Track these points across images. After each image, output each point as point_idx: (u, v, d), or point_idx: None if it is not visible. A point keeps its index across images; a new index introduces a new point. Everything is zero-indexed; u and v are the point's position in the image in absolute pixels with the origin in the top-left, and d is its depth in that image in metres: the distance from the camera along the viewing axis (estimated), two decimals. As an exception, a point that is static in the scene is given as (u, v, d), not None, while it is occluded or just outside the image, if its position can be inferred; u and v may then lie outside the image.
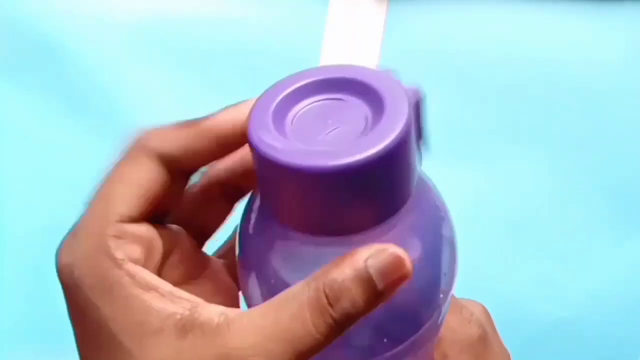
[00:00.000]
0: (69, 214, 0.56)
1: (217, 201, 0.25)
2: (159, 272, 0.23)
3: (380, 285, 0.20)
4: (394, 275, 0.20)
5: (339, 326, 0.20)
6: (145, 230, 0.23)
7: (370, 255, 0.20)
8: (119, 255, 0.21)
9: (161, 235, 0.24)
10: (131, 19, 0.53)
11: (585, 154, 0.53)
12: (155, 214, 0.23)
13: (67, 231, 0.24)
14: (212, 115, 0.24)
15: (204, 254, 0.26)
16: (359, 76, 0.23)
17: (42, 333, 0.52)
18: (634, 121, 0.54)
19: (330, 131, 0.21)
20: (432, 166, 0.51)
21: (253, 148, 0.20)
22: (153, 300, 0.21)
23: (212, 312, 0.21)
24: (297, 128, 0.21)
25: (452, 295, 0.28)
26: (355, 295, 0.20)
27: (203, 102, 0.55)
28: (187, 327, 0.20)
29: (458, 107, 0.53)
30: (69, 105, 0.53)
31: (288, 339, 0.20)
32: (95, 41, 0.53)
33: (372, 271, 0.20)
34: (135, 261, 0.22)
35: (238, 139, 0.23)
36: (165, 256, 0.24)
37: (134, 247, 0.22)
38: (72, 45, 0.53)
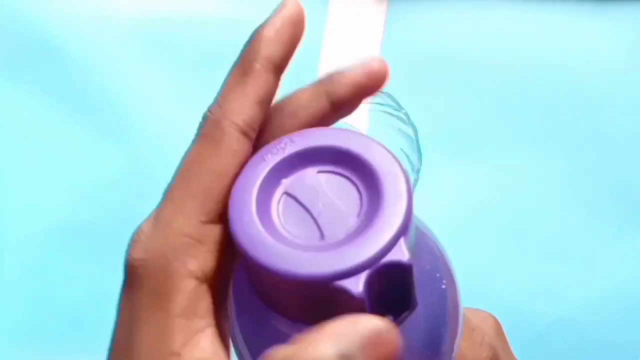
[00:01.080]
0: (69, 215, 0.56)
1: None
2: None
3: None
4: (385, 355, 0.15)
5: None
6: (217, 229, 0.20)
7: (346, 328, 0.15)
8: (190, 266, 0.19)
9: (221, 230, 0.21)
10: (131, 19, 0.54)
11: (586, 154, 0.53)
12: None
13: (144, 219, 0.21)
14: (253, 47, 0.22)
15: None
16: (352, 147, 0.19)
17: (42, 333, 0.52)
18: (634, 121, 0.54)
19: (319, 214, 0.19)
20: (432, 166, 0.51)
21: (234, 237, 0.18)
22: (180, 331, 0.18)
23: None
24: (284, 212, 0.19)
25: (466, 316, 0.28)
26: None
27: (203, 102, 0.55)
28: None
29: (458, 107, 0.53)
30: (69, 105, 0.53)
31: None
32: (95, 41, 0.53)
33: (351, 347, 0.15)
34: (207, 274, 0.19)
35: (288, 57, 0.21)
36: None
37: (210, 256, 0.19)
38: (72, 45, 0.53)
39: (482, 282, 0.52)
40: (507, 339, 0.33)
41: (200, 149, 0.20)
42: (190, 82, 0.53)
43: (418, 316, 0.21)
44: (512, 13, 0.54)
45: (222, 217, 0.19)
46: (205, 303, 0.19)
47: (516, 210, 0.53)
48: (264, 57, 0.22)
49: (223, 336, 0.20)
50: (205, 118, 0.21)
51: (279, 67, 0.22)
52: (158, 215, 0.20)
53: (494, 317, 0.33)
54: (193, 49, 0.53)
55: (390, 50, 0.53)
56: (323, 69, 0.53)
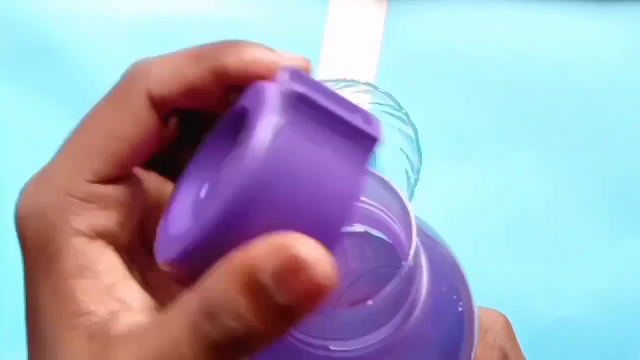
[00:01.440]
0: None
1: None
2: (140, 238, 0.20)
3: (279, 296, 0.15)
4: (302, 284, 0.14)
5: (225, 352, 0.15)
6: (119, 190, 0.19)
7: (263, 251, 0.15)
8: (76, 224, 0.18)
9: (147, 193, 0.20)
10: (131, 19, 0.53)
11: (585, 154, 0.53)
12: (143, 164, 0.20)
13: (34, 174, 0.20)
14: (213, 46, 0.20)
15: None
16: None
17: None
18: (634, 121, 0.54)
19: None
20: (432, 166, 0.51)
21: None
22: (82, 291, 0.18)
23: (123, 323, 0.18)
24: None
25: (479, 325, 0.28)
26: (241, 309, 0.15)
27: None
28: (97, 331, 0.17)
29: (458, 107, 0.53)
30: (69, 105, 0.53)
31: (164, 356, 0.16)
32: (95, 41, 0.53)
33: (263, 275, 0.15)
34: (101, 233, 0.19)
35: (236, 82, 0.19)
36: (149, 217, 0.20)
37: (98, 213, 0.18)
38: (72, 45, 0.53)
39: (482, 282, 0.52)
40: (517, 338, 0.33)
41: (104, 106, 0.20)
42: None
43: (434, 337, 0.22)
44: (512, 13, 0.54)
45: (119, 178, 0.19)
46: (106, 259, 0.18)
47: (516, 210, 0.53)
48: (218, 59, 0.20)
49: (149, 287, 0.19)
50: (125, 73, 0.20)
51: (225, 76, 0.20)
52: (45, 171, 0.19)
53: (504, 317, 0.33)
54: (193, 49, 0.53)
55: (390, 50, 0.53)
56: (323, 69, 0.53)
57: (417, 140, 0.45)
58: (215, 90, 0.19)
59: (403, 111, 0.46)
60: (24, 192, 0.20)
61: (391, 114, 0.46)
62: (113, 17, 0.53)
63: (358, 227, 0.24)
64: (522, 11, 0.54)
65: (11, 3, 0.53)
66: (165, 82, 0.19)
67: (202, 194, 0.18)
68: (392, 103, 0.46)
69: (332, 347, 0.21)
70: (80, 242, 0.18)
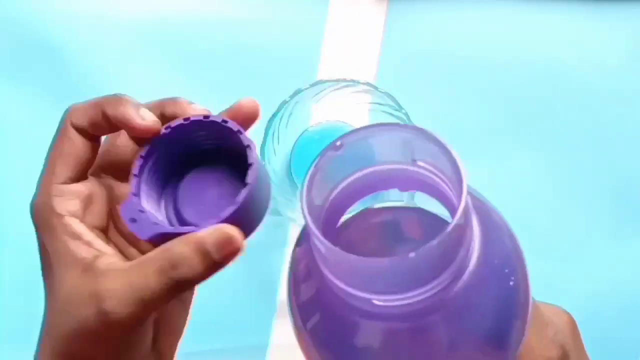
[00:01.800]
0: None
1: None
2: (107, 214, 0.32)
3: (216, 254, 0.27)
4: (227, 250, 0.27)
5: (178, 286, 0.27)
6: (84, 187, 0.31)
7: (212, 232, 0.27)
8: (58, 209, 0.30)
9: (104, 186, 0.32)
10: (131, 19, 0.54)
11: (585, 154, 0.53)
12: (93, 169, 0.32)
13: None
14: (118, 101, 0.31)
15: None
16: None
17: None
18: (634, 121, 0.54)
19: None
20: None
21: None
22: (74, 246, 0.29)
23: (108, 259, 0.29)
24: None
25: (539, 308, 0.29)
26: (191, 262, 0.27)
27: (203, 101, 0.55)
28: (86, 268, 0.29)
29: (458, 106, 0.53)
30: (69, 105, 0.53)
31: (136, 289, 0.27)
32: (95, 41, 0.53)
33: (209, 245, 0.27)
34: (74, 212, 0.30)
35: (115, 124, 0.30)
36: (113, 200, 0.32)
37: (72, 201, 0.30)
38: (72, 45, 0.53)
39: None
40: (582, 338, 0.33)
41: (57, 138, 0.32)
42: (190, 81, 0.53)
43: (482, 308, 0.23)
44: (511, 13, 0.54)
45: (76, 179, 0.31)
46: (81, 227, 0.30)
47: (516, 210, 0.53)
48: (104, 108, 0.31)
49: (114, 246, 0.31)
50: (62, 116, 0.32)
51: (109, 118, 0.30)
52: (39, 182, 0.31)
53: (568, 315, 0.33)
54: (193, 49, 0.53)
55: (390, 50, 0.53)
56: (323, 69, 0.53)
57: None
58: (107, 125, 0.31)
59: (403, 111, 0.45)
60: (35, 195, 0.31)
61: (391, 114, 0.46)
62: (113, 17, 0.53)
63: (411, 200, 0.27)
64: (522, 11, 0.54)
65: (11, 3, 0.53)
66: (79, 118, 0.31)
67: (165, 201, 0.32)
68: (392, 103, 0.46)
69: (375, 302, 0.22)
70: (66, 220, 0.30)
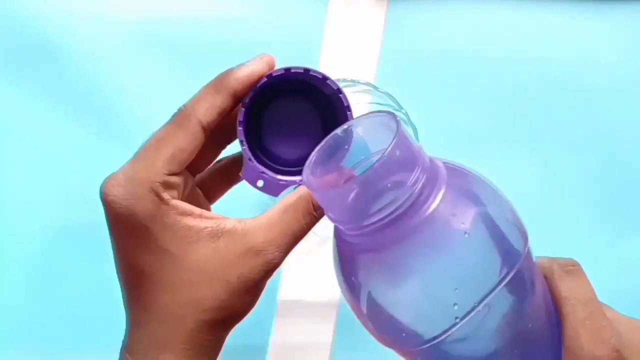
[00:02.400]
0: (69, 214, 0.56)
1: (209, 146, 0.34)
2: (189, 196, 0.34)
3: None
4: None
5: (318, 219, 0.33)
6: (179, 179, 0.33)
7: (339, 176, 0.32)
8: (165, 196, 0.31)
9: (185, 177, 0.34)
10: (131, 19, 0.54)
11: (585, 154, 0.53)
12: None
13: (113, 172, 0.32)
14: (226, 76, 0.33)
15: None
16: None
17: (42, 333, 0.52)
18: (633, 121, 0.54)
19: None
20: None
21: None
22: (190, 221, 0.31)
23: (232, 222, 0.32)
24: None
25: (606, 315, 0.31)
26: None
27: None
28: (217, 234, 0.31)
29: (458, 106, 0.53)
30: (69, 105, 0.53)
31: (289, 233, 0.32)
32: (95, 41, 0.53)
33: None
34: (175, 197, 0.32)
35: (246, 91, 0.33)
36: (190, 190, 0.35)
37: (172, 190, 0.32)
38: (72, 45, 0.53)
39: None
40: None
41: (172, 128, 0.32)
42: (190, 81, 0.53)
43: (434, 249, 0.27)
44: (511, 13, 0.54)
45: (180, 172, 0.32)
46: (189, 207, 0.32)
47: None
48: (231, 87, 0.33)
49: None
50: (180, 110, 0.33)
51: (238, 98, 0.33)
52: (133, 168, 0.32)
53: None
54: (193, 49, 0.53)
55: (390, 50, 0.53)
56: (323, 69, 0.53)
57: (417, 140, 0.45)
58: (233, 105, 0.33)
59: (403, 111, 0.46)
60: (114, 181, 0.31)
61: (391, 114, 0.46)
62: (113, 17, 0.53)
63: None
64: (522, 11, 0.54)
65: (11, 3, 0.53)
66: (207, 113, 0.32)
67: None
68: (392, 103, 0.46)
69: (349, 232, 0.29)
70: (173, 202, 0.31)
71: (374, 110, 0.48)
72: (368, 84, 0.45)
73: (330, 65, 0.53)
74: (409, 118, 0.45)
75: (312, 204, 0.33)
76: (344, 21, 0.54)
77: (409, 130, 0.44)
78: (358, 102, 0.48)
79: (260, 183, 0.34)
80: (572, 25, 0.54)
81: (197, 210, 0.32)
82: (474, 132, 0.53)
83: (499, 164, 0.53)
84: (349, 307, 0.55)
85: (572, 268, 0.34)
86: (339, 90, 0.34)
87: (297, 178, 0.34)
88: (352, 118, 0.34)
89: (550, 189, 0.53)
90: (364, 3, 0.54)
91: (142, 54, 0.53)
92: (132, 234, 0.31)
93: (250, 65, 0.33)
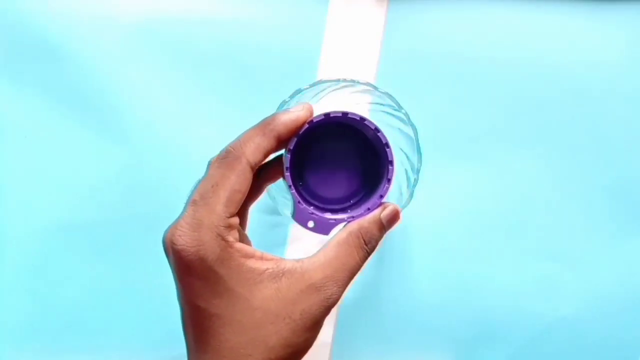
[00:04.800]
0: (69, 214, 0.56)
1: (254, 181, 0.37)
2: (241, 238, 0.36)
3: (387, 227, 0.37)
4: (394, 221, 0.37)
5: (370, 253, 0.36)
6: (236, 219, 0.35)
7: (382, 210, 0.37)
8: (229, 239, 0.33)
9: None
10: (131, 19, 0.54)
11: (585, 154, 0.53)
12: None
13: (170, 223, 0.34)
14: (273, 120, 0.35)
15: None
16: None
17: (42, 333, 0.52)
18: (633, 121, 0.54)
19: None
20: (432, 166, 0.51)
21: None
22: (253, 263, 0.34)
23: (291, 263, 0.34)
24: None
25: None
26: (377, 235, 0.36)
27: (203, 101, 0.56)
28: (278, 274, 0.34)
29: (458, 106, 0.53)
30: (69, 105, 0.53)
31: (346, 268, 0.34)
32: (95, 41, 0.53)
33: (384, 220, 0.36)
34: (237, 239, 0.34)
35: (290, 135, 0.36)
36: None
37: (234, 231, 0.34)
38: (72, 45, 0.53)
39: (481, 282, 0.52)
40: None
41: (225, 171, 0.34)
42: (190, 81, 0.53)
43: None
44: (511, 13, 0.54)
45: (237, 213, 0.35)
46: (250, 249, 0.34)
47: (516, 210, 0.53)
48: (277, 130, 0.35)
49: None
50: (227, 150, 0.35)
51: (282, 141, 0.36)
52: (196, 215, 0.33)
53: None
54: (193, 49, 0.53)
55: (390, 50, 0.53)
56: (323, 69, 0.53)
57: (417, 140, 0.45)
58: (276, 147, 0.35)
59: (403, 111, 0.45)
60: (179, 232, 0.33)
61: (391, 114, 0.46)
62: (113, 17, 0.53)
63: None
64: (522, 11, 0.54)
65: (11, 3, 0.53)
66: (255, 154, 0.34)
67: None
68: (392, 103, 0.46)
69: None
70: (237, 245, 0.34)
71: (373, 110, 0.48)
72: (368, 84, 0.45)
73: (330, 65, 0.53)
74: (409, 118, 0.45)
75: (363, 238, 0.36)
76: (344, 21, 0.54)
77: (408, 131, 0.44)
78: (358, 102, 0.48)
79: (311, 224, 0.37)
80: (572, 25, 0.54)
81: (257, 252, 0.34)
82: (474, 132, 0.53)
83: (499, 164, 0.53)
84: (348, 307, 0.56)
85: None
86: (377, 129, 0.37)
87: (344, 216, 0.37)
88: (391, 155, 0.37)
89: (550, 189, 0.53)
90: (364, 3, 0.54)
91: (142, 54, 0.53)
92: (202, 279, 0.33)
93: (295, 111, 0.36)
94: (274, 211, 0.51)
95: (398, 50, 0.53)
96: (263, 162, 0.36)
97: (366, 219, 0.36)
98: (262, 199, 0.50)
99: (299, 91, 0.45)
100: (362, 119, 0.37)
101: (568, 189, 0.53)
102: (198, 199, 0.34)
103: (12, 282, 0.52)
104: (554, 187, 0.53)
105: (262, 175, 0.39)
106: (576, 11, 0.54)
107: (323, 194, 0.39)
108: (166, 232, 0.34)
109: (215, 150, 0.53)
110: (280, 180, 0.49)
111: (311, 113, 0.36)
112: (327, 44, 0.53)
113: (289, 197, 0.49)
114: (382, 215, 0.36)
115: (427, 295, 0.52)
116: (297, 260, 0.35)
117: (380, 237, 0.36)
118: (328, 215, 0.37)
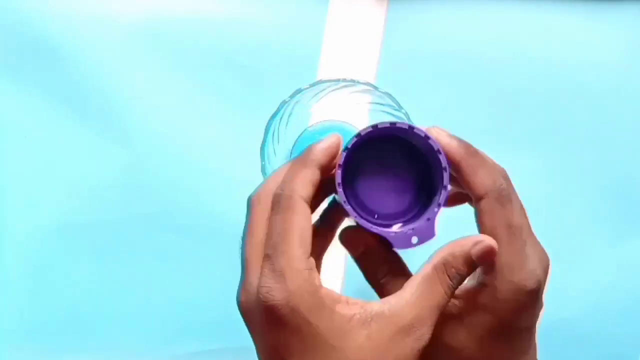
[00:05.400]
0: (69, 214, 0.56)
1: None
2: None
3: (478, 262, 0.33)
4: (488, 257, 0.33)
5: (456, 288, 0.33)
6: (313, 260, 0.33)
7: (474, 244, 0.33)
8: (316, 282, 0.32)
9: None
10: (131, 19, 0.54)
11: (585, 154, 0.53)
12: None
13: (240, 281, 0.34)
14: (310, 151, 0.34)
15: None
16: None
17: (42, 333, 0.52)
18: (633, 121, 0.54)
19: None
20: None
21: None
22: (342, 309, 0.32)
23: (376, 306, 0.32)
24: None
25: (526, 243, 0.35)
26: (464, 271, 0.33)
27: (203, 101, 0.56)
28: (366, 319, 0.32)
29: (457, 106, 0.53)
30: (69, 105, 0.53)
31: (434, 306, 0.32)
32: (95, 41, 0.53)
33: (474, 257, 0.33)
34: (321, 280, 0.32)
35: (330, 161, 0.34)
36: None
37: (317, 273, 0.32)
38: (72, 45, 0.53)
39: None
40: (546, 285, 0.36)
41: (284, 215, 0.32)
42: (190, 82, 0.53)
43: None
44: (511, 13, 0.54)
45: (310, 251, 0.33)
46: (334, 292, 0.33)
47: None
48: (317, 160, 0.34)
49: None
50: (279, 195, 0.33)
51: (325, 169, 0.34)
52: (275, 267, 0.32)
53: (548, 259, 0.36)
54: (193, 49, 0.53)
55: (390, 50, 0.53)
56: (323, 69, 0.53)
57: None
58: (321, 176, 0.34)
59: (403, 111, 0.45)
60: (268, 292, 0.31)
61: (391, 114, 0.46)
62: (113, 17, 0.53)
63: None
64: (522, 11, 0.54)
65: (11, 3, 0.53)
66: (305, 188, 0.33)
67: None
68: (392, 103, 0.46)
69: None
70: (324, 289, 0.32)
71: (373, 110, 0.48)
72: (368, 84, 0.45)
73: (330, 65, 0.53)
74: (409, 118, 0.45)
75: (447, 274, 0.33)
76: (344, 21, 0.54)
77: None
78: (358, 102, 0.48)
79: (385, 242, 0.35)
80: (572, 25, 0.54)
81: (343, 296, 0.32)
82: (474, 132, 0.53)
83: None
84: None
85: (504, 195, 0.36)
86: (427, 137, 0.35)
87: (406, 228, 0.35)
88: (444, 161, 0.35)
89: (550, 189, 0.53)
90: (364, 3, 0.54)
91: (143, 54, 0.53)
92: (294, 333, 0.31)
93: (327, 139, 0.35)
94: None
95: (398, 50, 0.53)
96: (324, 207, 0.36)
97: (452, 252, 0.33)
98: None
99: (299, 91, 0.45)
100: (411, 128, 0.35)
101: (568, 188, 0.53)
102: (271, 252, 0.32)
103: (12, 282, 0.52)
104: (554, 187, 0.53)
105: (326, 220, 0.37)
106: (576, 11, 0.54)
107: (377, 209, 0.37)
108: (239, 294, 0.33)
109: (215, 150, 0.53)
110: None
111: (340, 138, 0.35)
112: (327, 44, 0.53)
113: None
114: (473, 250, 0.33)
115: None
116: (383, 302, 0.32)
117: (468, 273, 0.33)
118: (390, 229, 0.35)
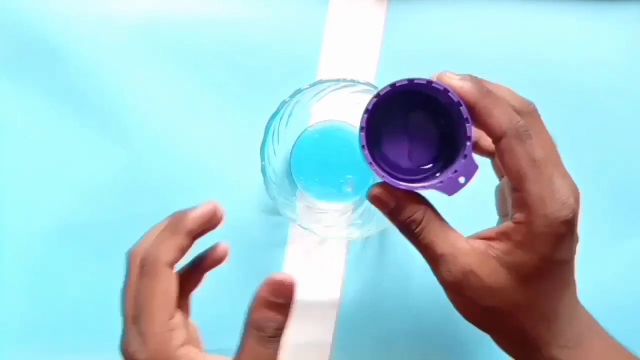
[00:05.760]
0: (69, 214, 0.56)
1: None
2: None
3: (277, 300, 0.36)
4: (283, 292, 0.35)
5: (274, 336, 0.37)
6: (178, 318, 0.35)
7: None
8: (176, 343, 0.34)
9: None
10: (131, 19, 0.54)
11: (585, 154, 0.53)
12: None
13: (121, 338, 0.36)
14: (182, 218, 0.36)
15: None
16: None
17: (42, 333, 0.52)
18: (633, 121, 0.54)
19: None
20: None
21: None
22: None
23: None
24: None
25: (554, 174, 0.34)
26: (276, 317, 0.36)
27: (203, 101, 0.56)
28: None
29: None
30: (69, 105, 0.53)
31: None
32: (95, 41, 0.53)
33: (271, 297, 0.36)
34: (184, 339, 0.35)
35: (202, 228, 0.36)
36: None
37: (180, 331, 0.35)
38: (72, 45, 0.53)
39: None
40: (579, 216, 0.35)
41: (148, 280, 0.35)
42: (190, 82, 0.53)
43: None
44: (511, 13, 0.54)
45: (175, 313, 0.35)
46: (199, 352, 0.36)
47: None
48: (186, 228, 0.36)
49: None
50: (145, 260, 0.35)
51: (195, 235, 0.36)
52: (140, 330, 0.35)
53: (578, 190, 0.36)
54: (193, 49, 0.53)
55: (390, 50, 0.53)
56: (323, 69, 0.53)
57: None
58: (191, 242, 0.36)
59: (403, 111, 0.45)
60: (131, 345, 0.35)
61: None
62: (113, 17, 0.53)
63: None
64: (522, 11, 0.54)
65: (11, 3, 0.53)
66: (169, 255, 0.35)
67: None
68: (392, 103, 0.46)
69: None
70: (183, 349, 0.35)
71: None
72: (368, 84, 0.45)
73: (330, 65, 0.53)
74: (409, 118, 0.45)
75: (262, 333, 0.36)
76: (344, 21, 0.54)
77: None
78: (358, 102, 0.48)
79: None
80: (573, 25, 0.54)
81: (200, 355, 0.35)
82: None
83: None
84: (349, 307, 0.55)
85: (526, 131, 0.35)
86: (446, 90, 0.35)
87: (435, 182, 0.36)
88: (466, 113, 0.34)
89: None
90: (364, 3, 0.54)
91: (142, 53, 0.53)
92: None
93: (201, 207, 0.36)
94: (274, 211, 0.51)
95: (398, 50, 0.53)
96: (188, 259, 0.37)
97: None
98: (263, 199, 0.50)
99: (299, 91, 0.45)
100: (430, 82, 0.35)
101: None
102: (137, 314, 0.35)
103: (12, 282, 0.52)
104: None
105: (196, 266, 0.39)
106: (576, 11, 0.54)
107: (404, 166, 0.37)
108: (122, 344, 0.36)
109: (215, 150, 0.53)
110: (281, 180, 0.49)
111: (215, 208, 0.36)
112: (327, 44, 0.53)
113: (290, 197, 0.49)
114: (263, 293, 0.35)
115: (428, 295, 0.52)
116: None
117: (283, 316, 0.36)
118: (418, 184, 0.35)
